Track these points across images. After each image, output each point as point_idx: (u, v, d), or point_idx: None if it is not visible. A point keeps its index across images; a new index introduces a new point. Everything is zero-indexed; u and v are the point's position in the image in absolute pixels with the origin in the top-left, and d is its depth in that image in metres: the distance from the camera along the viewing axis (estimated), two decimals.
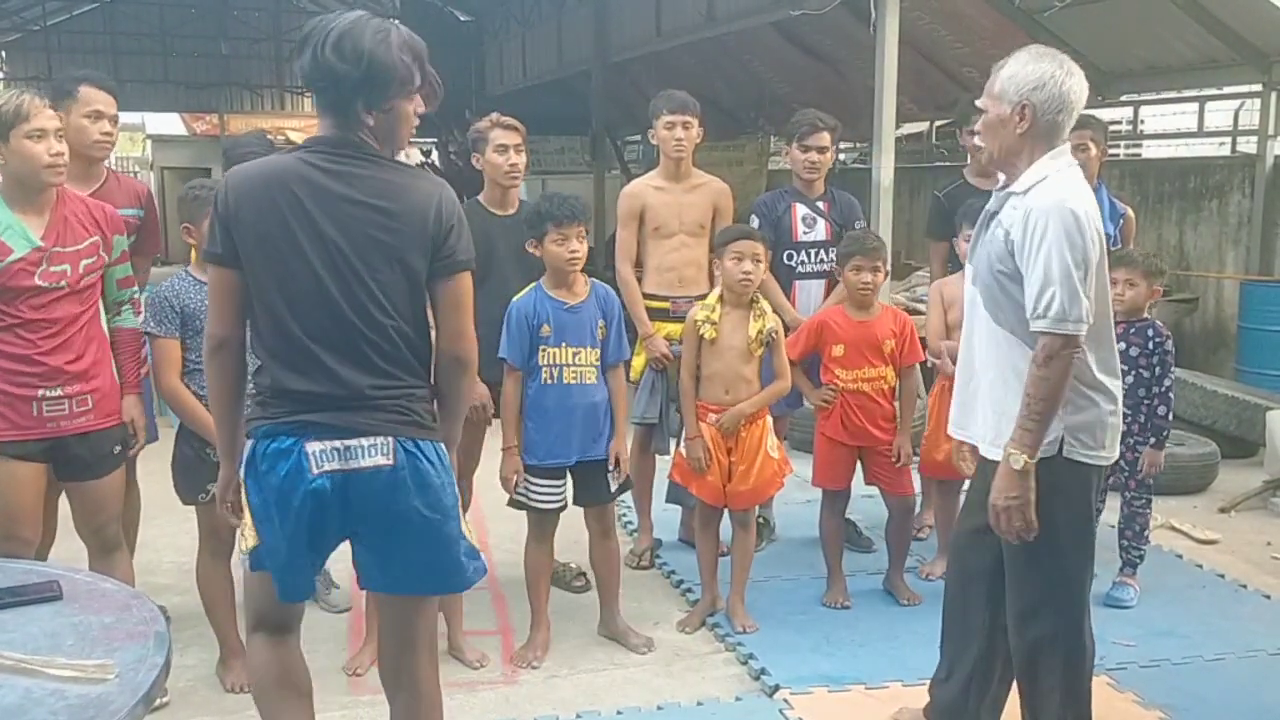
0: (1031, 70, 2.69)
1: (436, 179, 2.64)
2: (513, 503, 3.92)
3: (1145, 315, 4.35)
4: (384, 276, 2.48)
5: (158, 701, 3.48)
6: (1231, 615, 4.27)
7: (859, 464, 4.35)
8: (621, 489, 4.00)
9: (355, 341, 2.48)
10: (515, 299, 3.90)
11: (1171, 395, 4.31)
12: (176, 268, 3.84)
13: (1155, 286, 4.36)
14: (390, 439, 2.48)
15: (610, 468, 3.89)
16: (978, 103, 2.83)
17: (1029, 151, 2.75)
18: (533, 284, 3.90)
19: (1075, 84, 2.72)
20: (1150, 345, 4.28)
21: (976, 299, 2.88)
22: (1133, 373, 4.28)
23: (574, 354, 3.81)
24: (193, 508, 3.64)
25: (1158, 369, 4.27)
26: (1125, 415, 4.27)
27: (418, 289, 2.55)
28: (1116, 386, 2.83)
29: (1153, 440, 4.30)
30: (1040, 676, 2.86)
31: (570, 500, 3.94)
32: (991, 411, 2.83)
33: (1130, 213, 4.79)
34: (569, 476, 3.90)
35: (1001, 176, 2.86)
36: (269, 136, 4.50)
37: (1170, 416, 4.31)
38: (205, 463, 3.50)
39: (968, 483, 3.20)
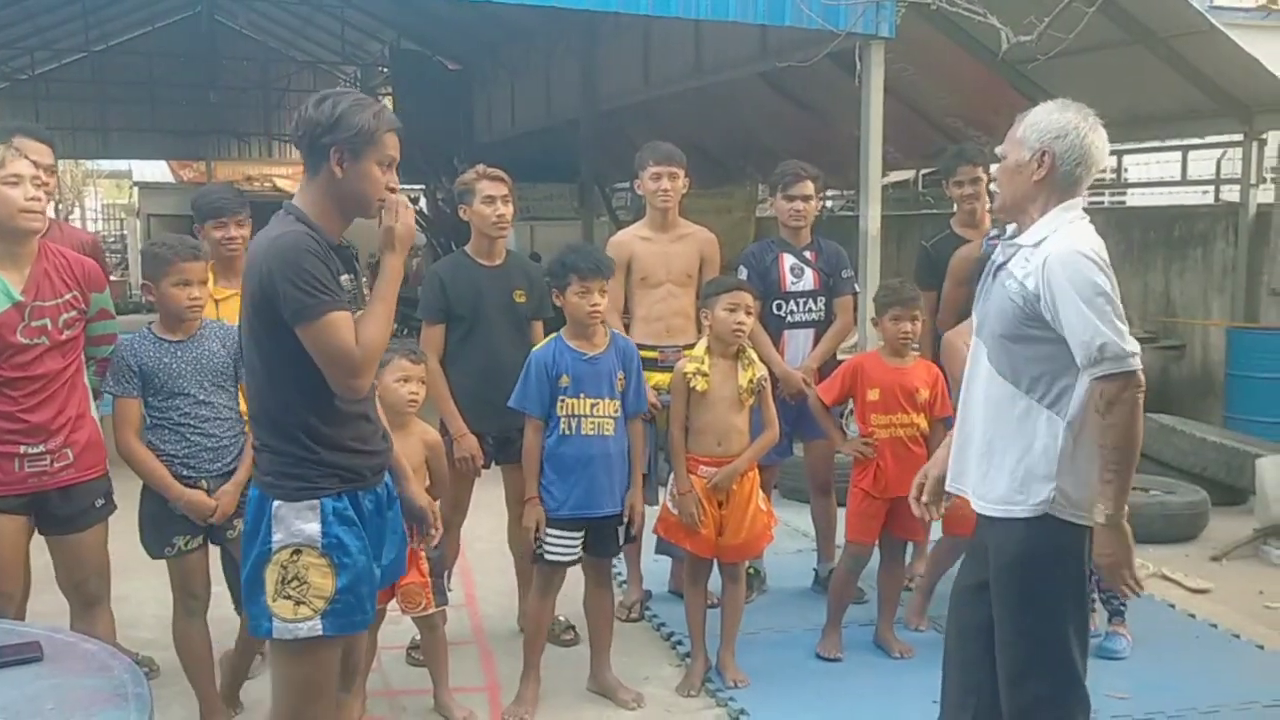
0: (1056, 119, 2.69)
1: (274, 229, 2.58)
2: (536, 559, 3.87)
3: None
4: None
5: None
6: (1225, 666, 4.23)
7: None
8: (628, 541, 3.97)
9: None
10: (535, 349, 3.91)
11: None
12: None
13: None
14: None
15: (624, 521, 3.87)
16: (998, 149, 2.82)
17: (1043, 201, 2.72)
18: (551, 336, 3.90)
19: (1098, 139, 2.71)
20: None
21: (981, 350, 2.85)
22: None
23: (592, 405, 3.79)
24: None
25: None
26: None
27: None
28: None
29: None
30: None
31: None
32: (987, 465, 2.80)
33: None
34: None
35: (1010, 226, 2.84)
36: (239, 187, 4.50)
37: None
38: (171, 516, 3.47)
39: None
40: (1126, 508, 2.63)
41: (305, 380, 2.52)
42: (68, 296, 3.36)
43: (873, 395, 4.25)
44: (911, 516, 4.17)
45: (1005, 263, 2.78)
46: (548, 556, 3.81)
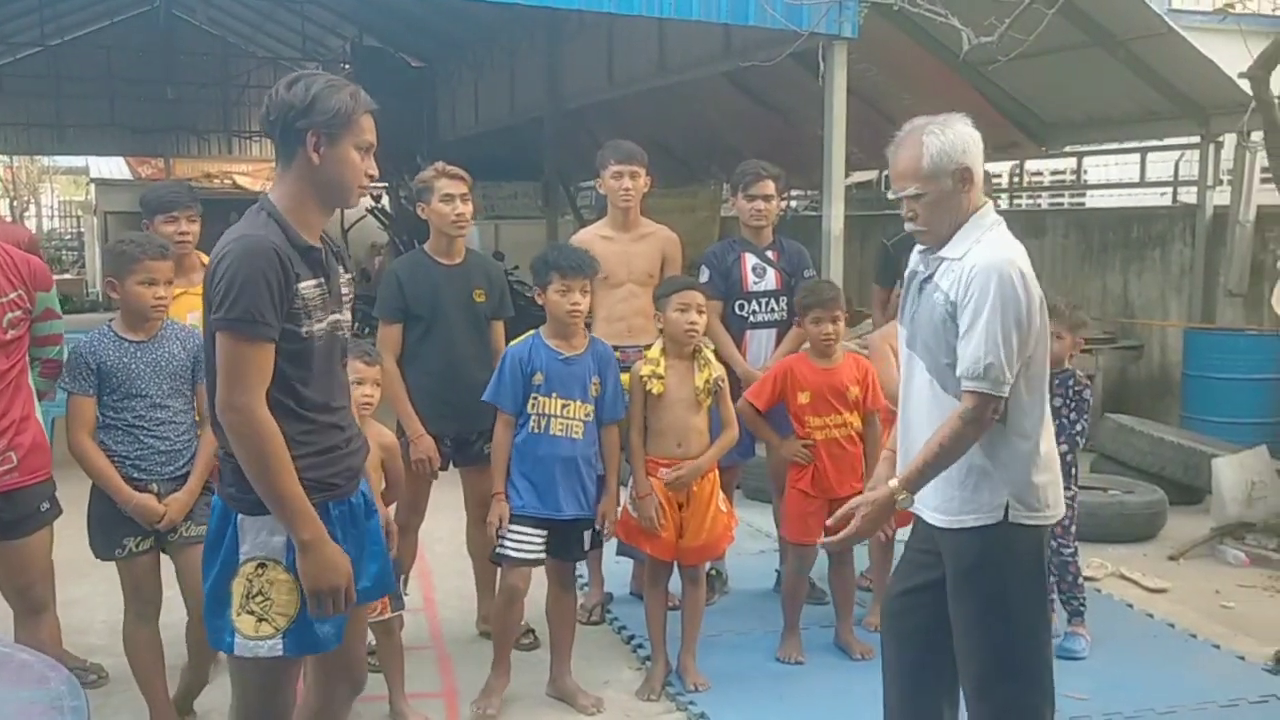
0: (952, 137, 2.71)
1: (241, 228, 2.47)
2: (494, 558, 3.83)
3: (1066, 366, 4.40)
4: None
5: None
6: (1183, 666, 4.26)
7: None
8: (594, 546, 3.93)
9: None
10: (512, 344, 3.86)
11: (1079, 439, 4.38)
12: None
13: (1078, 338, 4.41)
14: None
15: (597, 527, 3.84)
16: (904, 195, 2.77)
17: (961, 213, 2.75)
18: (530, 331, 3.86)
19: (968, 131, 2.75)
20: (1070, 394, 4.35)
21: (916, 364, 2.84)
22: (1056, 421, 4.32)
23: (563, 405, 3.75)
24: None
25: (1073, 414, 4.32)
26: None
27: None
28: (1052, 443, 2.82)
29: None
30: None
31: None
32: (947, 481, 2.77)
33: None
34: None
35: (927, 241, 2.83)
36: (197, 185, 4.42)
37: (1071, 457, 4.36)
38: (120, 517, 3.39)
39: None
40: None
41: (275, 389, 2.40)
42: (12, 295, 3.28)
43: (803, 398, 4.24)
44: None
45: (930, 275, 2.78)
46: (509, 553, 3.76)
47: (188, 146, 24.47)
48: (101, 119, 22.81)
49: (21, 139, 23.43)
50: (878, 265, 5.21)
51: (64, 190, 34.78)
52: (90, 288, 20.23)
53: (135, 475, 3.43)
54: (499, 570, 3.89)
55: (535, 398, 3.75)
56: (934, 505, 2.80)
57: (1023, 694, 2.76)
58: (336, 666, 2.71)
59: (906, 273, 2.93)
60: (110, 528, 3.45)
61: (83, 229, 27.72)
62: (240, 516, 2.45)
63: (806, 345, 4.38)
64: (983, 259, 2.65)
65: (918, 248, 2.87)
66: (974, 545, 2.73)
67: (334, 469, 2.53)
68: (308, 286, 2.44)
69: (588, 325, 4.71)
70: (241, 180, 21.61)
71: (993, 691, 2.78)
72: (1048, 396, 2.84)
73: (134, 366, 3.43)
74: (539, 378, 3.74)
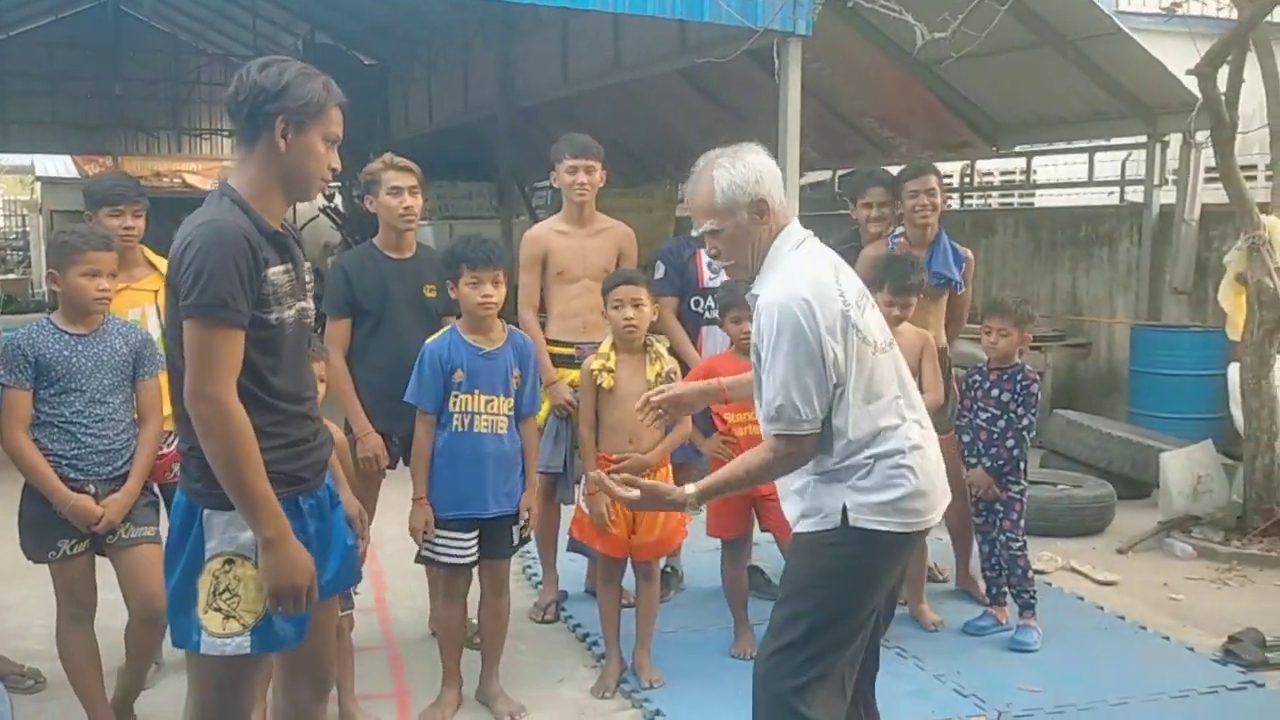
0: (743, 169, 2.67)
1: (205, 213, 2.40)
2: (420, 558, 3.76)
3: (1015, 360, 4.42)
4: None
5: None
6: (1133, 658, 4.30)
7: (755, 513, 4.29)
8: (522, 543, 3.87)
9: None
10: (429, 341, 3.77)
11: (1026, 434, 4.41)
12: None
13: (1026, 334, 4.44)
14: None
15: (519, 523, 3.77)
16: (700, 232, 2.74)
17: (762, 243, 2.71)
18: (447, 327, 3.79)
19: (759, 161, 2.71)
20: (1018, 388, 4.38)
21: None
22: (1004, 417, 4.40)
23: (486, 402, 3.68)
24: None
25: (1021, 409, 4.35)
26: (999, 460, 4.36)
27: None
28: (906, 449, 2.70)
29: (988, 464, 4.37)
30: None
31: None
32: (794, 493, 2.78)
33: (970, 255, 4.85)
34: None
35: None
36: (147, 183, 4.30)
37: (1018, 451, 4.40)
38: (55, 518, 3.30)
39: None
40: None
41: (244, 378, 2.34)
42: None
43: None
44: (777, 513, 4.16)
45: (752, 313, 2.77)
46: (440, 559, 3.70)
47: (136, 144, 24.01)
48: (45, 116, 22.35)
49: None
50: None
51: (8, 189, 34.04)
52: (35, 288, 19.84)
53: (72, 475, 3.34)
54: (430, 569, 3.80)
55: (457, 396, 3.66)
56: (793, 516, 2.80)
57: (789, 694, 2.66)
58: (299, 665, 2.64)
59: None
60: (43, 529, 3.36)
61: (28, 228, 27.18)
62: (206, 512, 2.40)
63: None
64: (768, 297, 2.63)
65: (904, 235, 2.88)
66: (818, 550, 2.72)
67: (303, 462, 2.49)
68: (276, 272, 2.40)
69: (542, 323, 4.72)
70: (191, 179, 21.29)
71: (776, 669, 2.71)
72: (894, 402, 2.73)
73: (74, 360, 3.34)
74: (460, 375, 3.66)
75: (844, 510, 2.65)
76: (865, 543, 2.67)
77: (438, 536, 3.68)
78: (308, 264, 2.59)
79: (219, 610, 2.39)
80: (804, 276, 2.64)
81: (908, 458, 2.69)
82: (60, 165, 24.17)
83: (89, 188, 3.97)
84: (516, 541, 3.82)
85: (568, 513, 4.42)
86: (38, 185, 24.16)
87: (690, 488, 2.71)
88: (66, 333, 3.37)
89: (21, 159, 27.22)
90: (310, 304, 2.58)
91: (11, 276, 21.77)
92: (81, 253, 3.31)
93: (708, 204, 2.70)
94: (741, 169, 2.68)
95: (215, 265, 2.27)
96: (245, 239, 2.32)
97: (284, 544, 2.35)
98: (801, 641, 2.68)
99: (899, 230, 4.78)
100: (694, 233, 2.79)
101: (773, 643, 2.74)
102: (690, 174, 2.77)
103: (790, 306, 2.57)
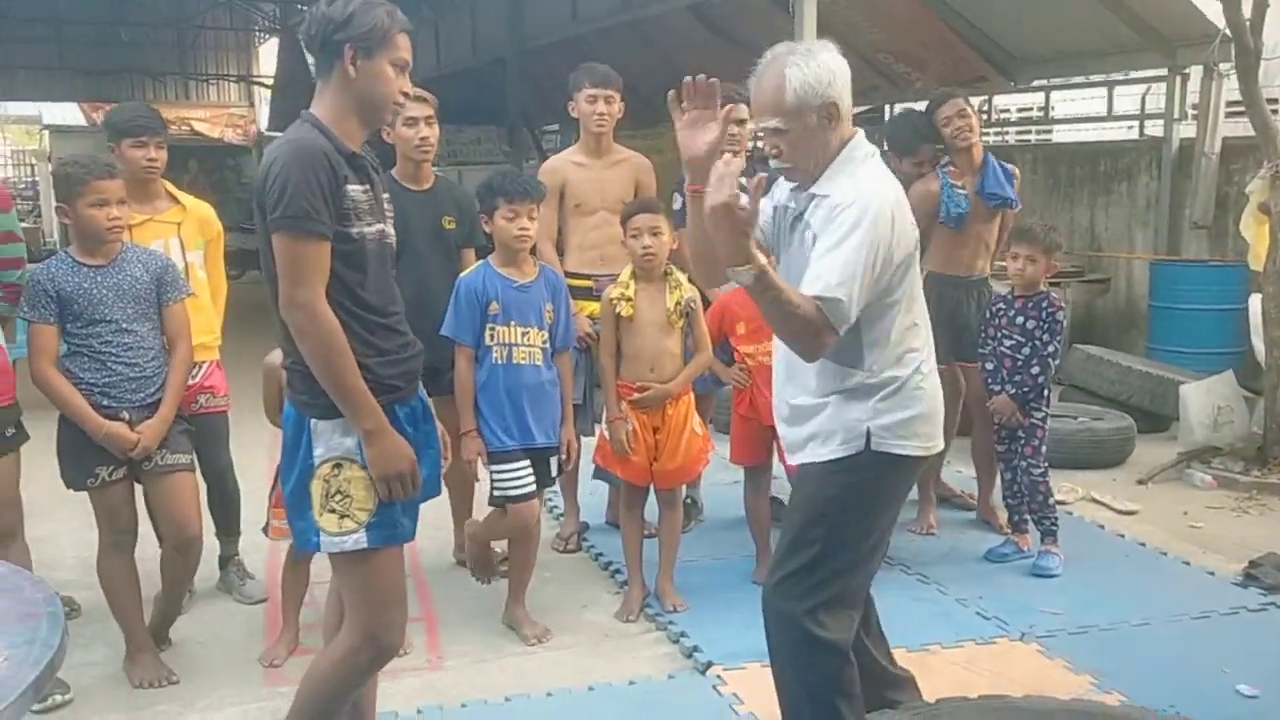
0: (817, 69, 2.53)
1: (287, 135, 2.53)
2: (493, 500, 3.79)
3: (1040, 288, 4.40)
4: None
5: (60, 699, 3.33)
6: (1154, 582, 4.32)
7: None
8: (559, 473, 3.91)
9: None
10: (463, 275, 3.79)
11: (1051, 360, 4.40)
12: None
13: (1053, 262, 4.42)
14: None
15: (562, 456, 3.82)
16: (763, 127, 2.61)
17: (830, 147, 2.59)
18: (479, 262, 3.80)
19: (833, 60, 2.57)
20: (1044, 316, 4.38)
21: None
22: (1029, 344, 4.38)
23: (523, 333, 3.71)
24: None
25: (1046, 335, 4.35)
26: (1024, 386, 4.36)
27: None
28: (920, 372, 2.67)
29: (1012, 391, 4.39)
30: (777, 654, 2.75)
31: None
32: (804, 414, 2.71)
33: (1017, 170, 4.84)
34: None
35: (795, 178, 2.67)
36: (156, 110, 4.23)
37: (1043, 378, 4.40)
38: (91, 445, 3.33)
39: None
40: None
41: (333, 291, 2.45)
42: None
43: (741, 329, 4.25)
44: None
45: (802, 213, 2.64)
46: (511, 492, 3.71)
47: (143, 91, 23.93)
48: (51, 62, 22.24)
49: None
50: None
51: (16, 139, 34.00)
52: (46, 238, 19.80)
53: (105, 403, 3.36)
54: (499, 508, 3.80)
55: (493, 328, 3.70)
56: (797, 444, 2.75)
57: (805, 615, 2.63)
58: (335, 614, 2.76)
59: (774, 205, 2.76)
60: (82, 457, 3.38)
61: (37, 177, 27.12)
62: (313, 421, 2.53)
63: None
64: (847, 193, 2.52)
65: (785, 181, 2.71)
66: (833, 478, 2.66)
67: (395, 370, 2.59)
68: (355, 190, 2.50)
69: (560, 254, 4.70)
70: (199, 126, 21.17)
71: (785, 592, 2.68)
72: (927, 325, 2.72)
73: (95, 292, 3.34)
74: (495, 307, 3.69)
75: (867, 434, 2.62)
76: (882, 467, 2.64)
77: (499, 472, 3.71)
78: (386, 193, 2.67)
79: (333, 511, 2.53)
80: (885, 182, 2.59)
81: (926, 380, 2.69)
82: (68, 113, 24.07)
83: (110, 118, 3.93)
84: (555, 473, 3.85)
85: (588, 445, 4.43)
86: (46, 134, 24.08)
87: (762, 257, 2.41)
88: (85, 265, 3.36)
89: (29, 109, 27.14)
90: (390, 228, 2.66)
91: (23, 226, 21.74)
92: (86, 183, 3.30)
93: (775, 102, 2.54)
94: (815, 68, 2.53)
95: (298, 179, 2.38)
96: (324, 154, 2.43)
97: (384, 435, 2.49)
98: (811, 565, 2.65)
99: (946, 160, 4.76)
100: (751, 125, 2.69)
101: (781, 568, 2.71)
102: (754, 68, 2.61)
103: (874, 205, 2.49)
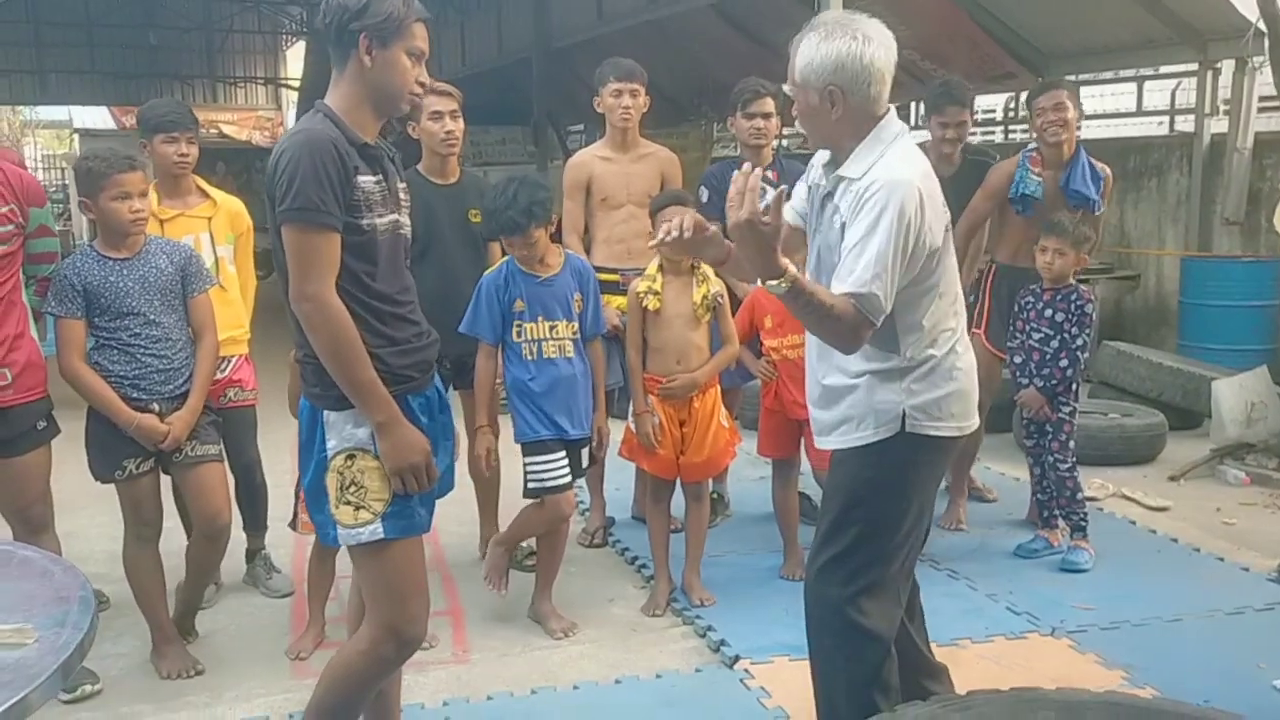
0: (826, 52, 2.48)
1: (298, 125, 2.51)
2: (529, 492, 3.78)
3: (1070, 281, 4.35)
4: None
5: (90, 689, 3.35)
6: (1186, 578, 4.26)
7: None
8: (591, 463, 3.91)
9: None
10: (486, 273, 3.78)
11: (1080, 354, 4.36)
12: None
13: (1083, 255, 4.36)
14: None
15: (593, 446, 3.83)
16: (786, 89, 2.61)
17: (854, 132, 2.56)
18: (505, 258, 3.79)
19: (876, 51, 2.49)
20: (1073, 309, 4.33)
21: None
22: (1058, 337, 4.35)
23: (551, 327, 3.72)
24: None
25: (1075, 328, 4.30)
26: (1052, 380, 4.31)
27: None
28: (955, 351, 2.66)
29: (1040, 384, 4.34)
30: (817, 641, 2.74)
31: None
32: (836, 395, 2.69)
33: (1108, 173, 4.71)
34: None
35: (826, 153, 2.66)
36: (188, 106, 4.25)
37: (1071, 372, 4.35)
38: (120, 438, 3.34)
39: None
40: None
41: (343, 282, 2.43)
42: (4, 210, 3.21)
43: (768, 323, 4.23)
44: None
45: (832, 194, 2.61)
46: (548, 484, 3.70)
47: (172, 94, 24.07)
48: (82, 66, 22.50)
49: (3, 88, 23.09)
50: None
51: (46, 144, 34.39)
52: (76, 240, 20.01)
53: (135, 395, 3.38)
54: (533, 501, 3.79)
55: (520, 325, 3.69)
56: (828, 429, 2.73)
57: (844, 603, 2.63)
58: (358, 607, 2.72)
59: (808, 184, 2.75)
60: (110, 449, 3.40)
61: (67, 181, 27.42)
62: (325, 413, 2.51)
63: None
64: (876, 176, 2.49)
65: (820, 158, 2.69)
66: (869, 461, 2.65)
67: (408, 360, 2.57)
68: (367, 181, 2.47)
69: (586, 248, 4.70)
70: (227, 129, 21.37)
71: (826, 579, 2.68)
72: (960, 307, 2.70)
73: (121, 284, 3.36)
74: (520, 305, 3.69)
75: (903, 416, 2.60)
76: (917, 448, 2.63)
77: (535, 463, 3.70)
78: (403, 184, 2.64)
79: (349, 503, 2.50)
80: (914, 165, 2.54)
81: (961, 359, 2.67)
82: (97, 117, 24.37)
83: (143, 114, 3.94)
84: (585, 464, 3.85)
85: (618, 429, 4.38)
86: (76, 138, 24.34)
87: (792, 267, 2.39)
88: (110, 258, 3.38)
89: (59, 113, 27.45)
90: (405, 218, 2.64)
91: (56, 229, 21.95)
92: (108, 176, 3.30)
93: (790, 69, 2.56)
94: (824, 52, 2.48)
95: (306, 171, 2.36)
96: (334, 145, 2.40)
97: (397, 426, 2.47)
98: (851, 549, 2.64)
99: (1032, 146, 4.70)
100: (786, 88, 2.68)
101: (822, 553, 2.70)
102: (776, 64, 2.61)
103: (901, 189, 2.46)
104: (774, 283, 2.37)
